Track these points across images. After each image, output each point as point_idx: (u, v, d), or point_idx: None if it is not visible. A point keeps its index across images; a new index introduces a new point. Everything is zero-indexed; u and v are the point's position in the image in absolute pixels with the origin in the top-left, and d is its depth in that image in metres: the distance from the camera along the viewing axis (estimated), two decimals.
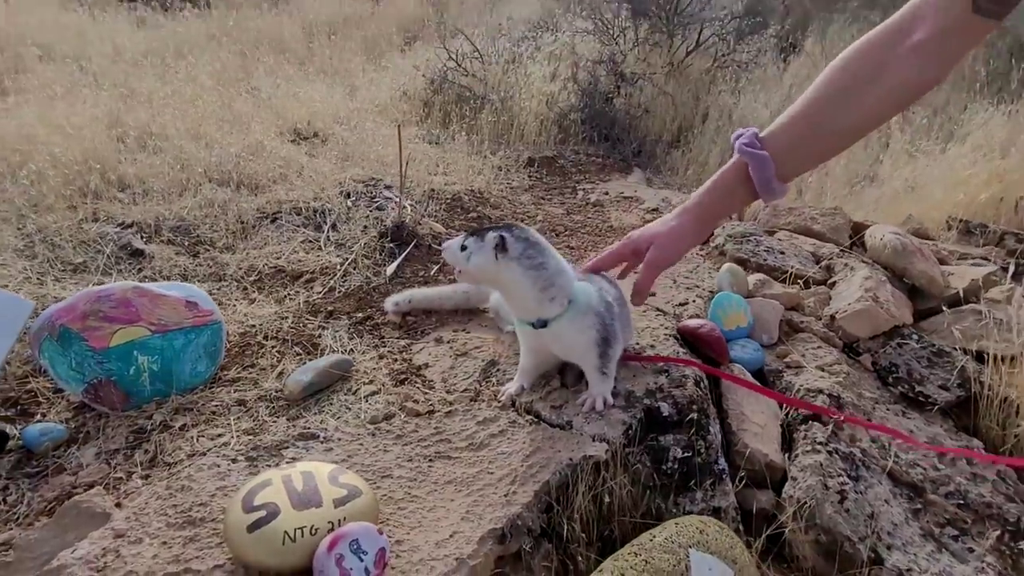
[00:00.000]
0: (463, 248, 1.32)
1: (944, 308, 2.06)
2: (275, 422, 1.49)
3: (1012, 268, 2.15)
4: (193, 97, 3.67)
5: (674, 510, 1.36)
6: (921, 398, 1.86)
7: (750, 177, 1.13)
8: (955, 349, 1.97)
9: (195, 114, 3.40)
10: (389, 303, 1.90)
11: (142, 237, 2.34)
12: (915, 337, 1.99)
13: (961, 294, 2.12)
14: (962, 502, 1.63)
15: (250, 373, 1.69)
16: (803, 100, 1.11)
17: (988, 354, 1.93)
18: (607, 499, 1.28)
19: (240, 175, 2.82)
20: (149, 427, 1.48)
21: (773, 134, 1.12)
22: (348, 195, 2.73)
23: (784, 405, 1.71)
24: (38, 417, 1.53)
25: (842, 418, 1.62)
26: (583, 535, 1.24)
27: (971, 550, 1.53)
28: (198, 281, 2.08)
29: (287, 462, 1.28)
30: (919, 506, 1.60)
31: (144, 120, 3.27)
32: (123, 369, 1.53)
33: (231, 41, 5.36)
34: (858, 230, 2.61)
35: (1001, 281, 2.25)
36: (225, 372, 1.69)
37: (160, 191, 2.66)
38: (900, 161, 3.80)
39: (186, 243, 2.35)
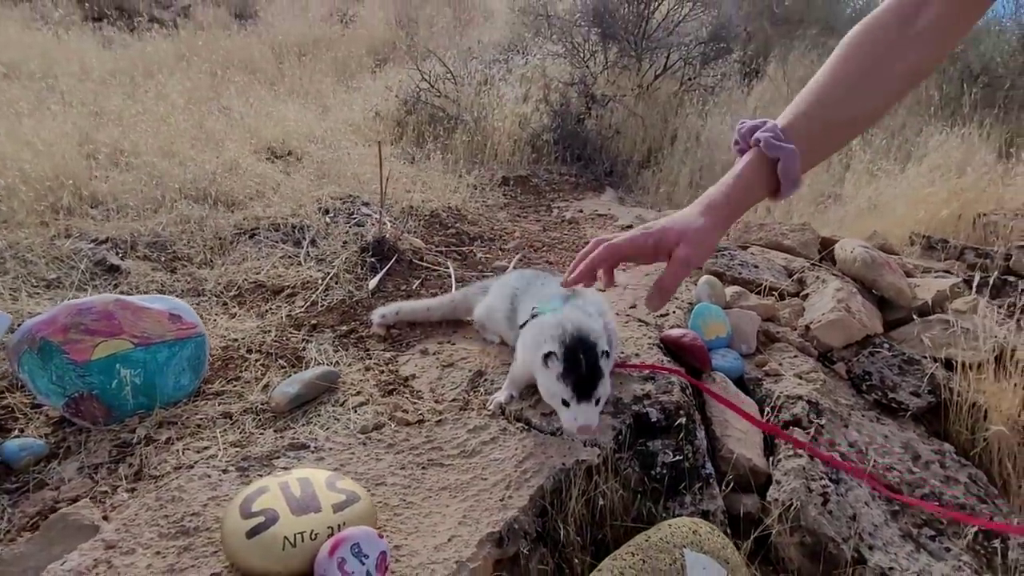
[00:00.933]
0: (596, 402, 1.26)
1: (915, 317, 2.13)
2: (262, 434, 1.47)
3: (976, 279, 2.24)
4: (164, 115, 3.64)
5: (664, 514, 1.38)
6: (894, 404, 1.92)
7: (773, 172, 1.05)
8: (925, 357, 2.04)
9: (167, 132, 3.37)
10: (376, 315, 1.90)
11: (117, 253, 2.30)
12: (886, 346, 2.05)
13: (930, 303, 2.19)
14: (937, 503, 1.68)
15: (234, 386, 1.67)
16: (814, 91, 1.07)
17: (956, 361, 2.00)
18: (600, 502, 1.29)
19: (216, 192, 2.79)
20: (133, 441, 1.46)
21: (793, 127, 1.06)
22: (326, 211, 2.73)
23: (763, 410, 1.74)
24: (15, 433, 1.49)
25: (807, 448, 1.62)
26: (578, 538, 1.25)
27: (948, 549, 1.58)
28: (176, 296, 2.06)
29: (280, 470, 1.26)
30: (897, 508, 1.64)
31: (115, 138, 3.23)
32: (105, 383, 1.51)
33: (200, 61, 5.32)
34: (826, 245, 2.69)
35: (964, 293, 2.34)
36: (209, 385, 1.67)
37: (134, 208, 2.63)
38: (862, 181, 3.93)
39: (163, 259, 2.32)
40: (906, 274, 2.46)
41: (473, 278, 2.33)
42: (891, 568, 1.45)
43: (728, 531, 1.46)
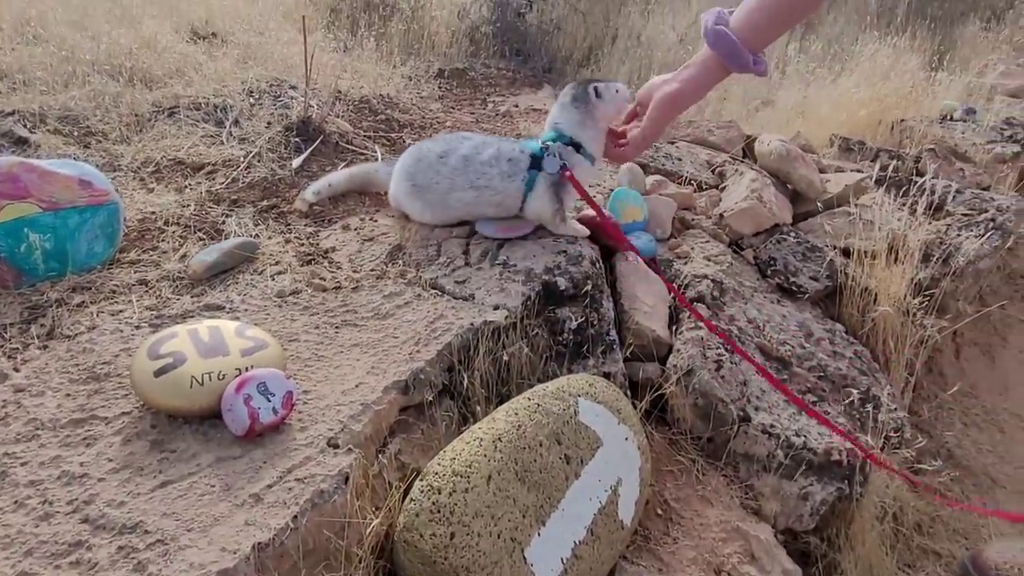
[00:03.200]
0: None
1: (820, 206, 2.25)
2: (179, 299, 1.49)
3: (874, 175, 2.36)
4: None
5: (568, 375, 1.47)
6: (794, 288, 2.05)
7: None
8: (826, 245, 2.17)
9: (78, 3, 3.16)
10: (309, 192, 1.89)
11: (25, 125, 2.20)
12: (792, 234, 2.17)
13: (835, 198, 2.31)
14: (822, 374, 1.84)
15: (151, 256, 1.67)
16: None
17: (853, 249, 2.13)
18: (506, 359, 1.36)
19: (133, 68, 2.67)
20: (44, 303, 1.45)
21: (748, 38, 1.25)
22: (251, 93, 2.64)
23: (670, 289, 1.84)
24: None
25: (705, 322, 1.73)
26: (482, 391, 1.33)
27: (827, 412, 1.74)
28: None
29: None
30: (785, 376, 1.79)
31: (20, 7, 3.01)
32: (13, 246, 1.48)
33: None
34: (751, 143, 2.76)
35: (870, 189, 2.46)
36: (124, 254, 1.66)
37: (43, 80, 2.49)
38: (794, 88, 3.99)
39: (75, 133, 2.23)
40: (820, 171, 2.57)
41: None
42: (772, 426, 1.59)
43: (628, 393, 1.58)
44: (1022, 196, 2.78)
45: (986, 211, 2.46)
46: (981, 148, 3.11)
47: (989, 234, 2.30)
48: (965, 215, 2.45)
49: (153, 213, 1.83)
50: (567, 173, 1.58)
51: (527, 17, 4.35)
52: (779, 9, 1.22)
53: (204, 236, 1.75)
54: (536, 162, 1.61)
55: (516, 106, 3.50)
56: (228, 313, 1.38)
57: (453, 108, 3.31)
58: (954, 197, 2.51)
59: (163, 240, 1.72)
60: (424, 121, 2.92)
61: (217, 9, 3.71)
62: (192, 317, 1.35)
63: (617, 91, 1.59)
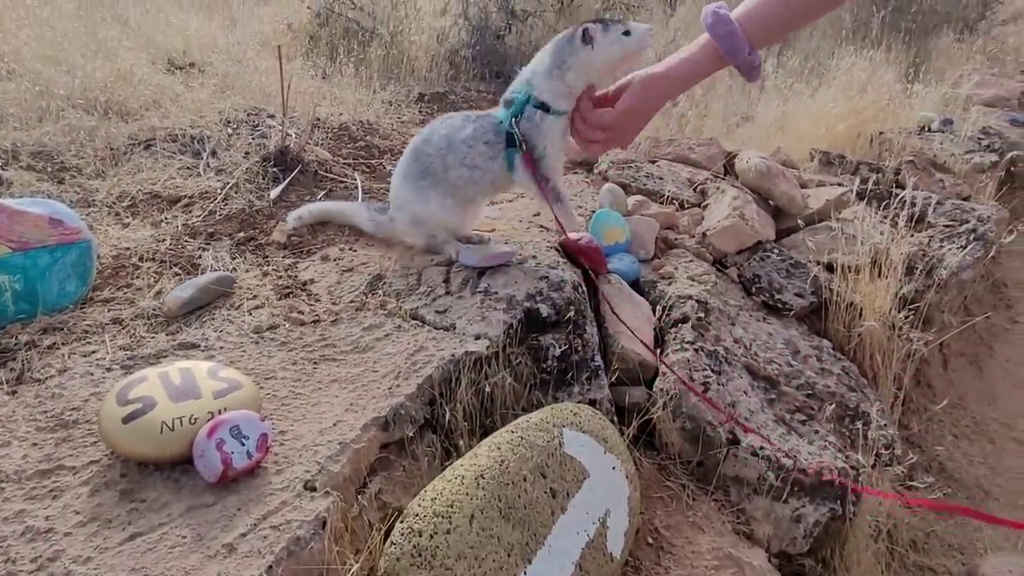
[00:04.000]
0: None
1: (801, 223, 2.24)
2: (153, 337, 1.45)
3: (855, 187, 2.36)
4: (48, 19, 3.37)
5: (552, 403, 1.45)
6: (779, 305, 2.04)
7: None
8: (810, 261, 2.16)
9: (52, 37, 3.14)
10: (291, 218, 1.88)
11: None
12: (776, 251, 2.16)
13: (815, 213, 2.31)
14: (811, 392, 1.82)
15: (125, 293, 1.63)
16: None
17: (837, 264, 2.12)
18: (489, 390, 1.34)
19: (108, 101, 2.64)
20: (14, 345, 1.41)
21: (751, 23, 1.18)
22: (228, 123, 2.62)
23: (656, 310, 1.82)
24: None
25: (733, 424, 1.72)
26: (465, 424, 1.31)
27: (816, 432, 1.72)
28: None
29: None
30: (773, 396, 1.77)
31: None
32: None
33: None
34: (732, 159, 2.77)
35: (851, 203, 2.47)
36: (98, 293, 1.63)
37: (16, 116, 2.46)
38: (773, 101, 4.02)
39: (49, 169, 2.20)
40: (801, 186, 2.57)
41: (381, 191, 2.31)
42: (762, 447, 1.57)
43: (615, 419, 1.55)
44: (1002, 205, 2.80)
45: (967, 221, 2.47)
46: (960, 158, 3.13)
47: (971, 245, 2.31)
48: (947, 226, 2.46)
49: (128, 249, 1.80)
50: (525, 157, 1.51)
51: (506, 39, 4.38)
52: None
53: (180, 271, 1.72)
54: (511, 139, 1.53)
55: None
56: (203, 351, 1.35)
57: None
58: (935, 208, 2.53)
59: (138, 277, 1.69)
60: (404, 146, 2.90)
61: (194, 39, 3.69)
62: (166, 357, 1.32)
63: (627, 32, 1.37)
